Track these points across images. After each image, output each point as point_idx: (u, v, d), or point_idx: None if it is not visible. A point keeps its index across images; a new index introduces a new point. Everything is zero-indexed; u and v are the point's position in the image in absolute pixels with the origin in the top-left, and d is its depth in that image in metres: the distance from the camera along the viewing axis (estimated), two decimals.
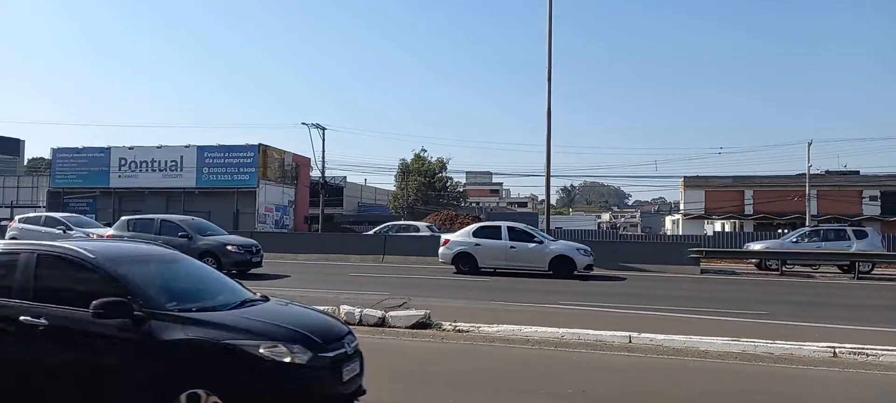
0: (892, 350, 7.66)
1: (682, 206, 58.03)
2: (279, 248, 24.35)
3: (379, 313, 9.47)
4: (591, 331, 8.67)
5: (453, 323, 9.27)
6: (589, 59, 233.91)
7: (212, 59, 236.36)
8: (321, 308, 9.66)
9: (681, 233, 51.42)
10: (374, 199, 65.37)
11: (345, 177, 58.35)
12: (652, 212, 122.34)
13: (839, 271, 21.95)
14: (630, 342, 8.29)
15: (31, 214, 25.55)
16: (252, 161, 39.55)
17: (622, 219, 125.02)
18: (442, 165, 63.88)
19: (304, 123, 43.18)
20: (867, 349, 7.67)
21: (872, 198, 51.23)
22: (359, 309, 9.54)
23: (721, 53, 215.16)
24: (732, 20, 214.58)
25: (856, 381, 6.77)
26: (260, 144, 40.07)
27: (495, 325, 9.15)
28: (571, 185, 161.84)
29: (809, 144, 40.89)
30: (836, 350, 7.70)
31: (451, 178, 66.75)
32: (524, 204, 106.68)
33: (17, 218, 24.51)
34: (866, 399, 6.36)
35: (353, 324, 9.32)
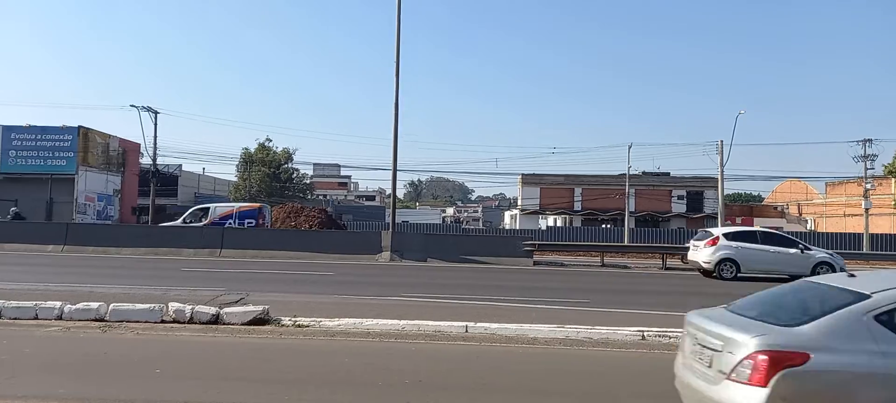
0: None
1: (519, 202, 61.39)
2: (100, 241, 22.27)
3: (212, 309, 8.99)
4: (430, 322, 8.91)
5: (293, 319, 9.06)
6: (435, 61, 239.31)
7: (37, 26, 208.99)
8: (145, 305, 9.01)
9: (518, 228, 54.38)
10: (213, 190, 61.73)
11: (180, 166, 54.52)
12: (493, 207, 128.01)
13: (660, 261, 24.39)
14: (466, 332, 8.64)
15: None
16: (70, 144, 35.64)
17: (466, 214, 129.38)
18: (288, 156, 61.90)
19: (133, 105, 39.57)
20: (669, 332, 8.65)
21: (680, 198, 57.74)
22: (190, 306, 8.99)
23: (556, 64, 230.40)
24: (565, 36, 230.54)
25: (660, 360, 7.59)
26: (80, 127, 36.20)
27: (337, 319, 9.08)
28: (419, 180, 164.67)
29: (630, 147, 45.15)
30: (645, 333, 8.60)
31: (297, 170, 64.93)
32: (372, 198, 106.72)
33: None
34: (666, 376, 7.15)
35: (183, 322, 8.78)
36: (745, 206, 67.04)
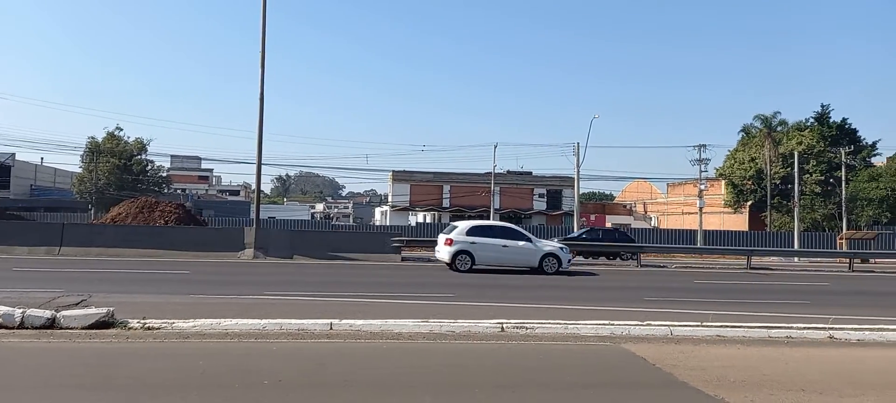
0: (544, 323, 9.21)
1: (390, 199, 61.57)
2: None
3: (47, 313, 8.16)
4: (293, 321, 8.71)
5: (142, 321, 8.45)
6: (306, 50, 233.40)
7: None
8: None
9: (388, 224, 54.55)
10: (53, 182, 55.96)
11: (13, 154, 48.89)
12: (364, 204, 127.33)
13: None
14: (331, 329, 8.53)
15: None
16: None
17: (336, 210, 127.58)
18: (141, 146, 57.47)
19: None
20: (527, 323, 9.10)
21: (541, 195, 60.76)
22: (20, 310, 8.10)
23: (427, 56, 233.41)
24: (441, 30, 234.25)
25: (519, 350, 7.96)
26: None
27: (192, 320, 8.60)
28: (287, 175, 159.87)
29: (495, 147, 46.90)
30: (504, 325, 8.97)
31: (152, 162, 60.48)
32: (236, 193, 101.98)
33: None
34: (524, 365, 7.51)
35: (11, 328, 7.91)
36: (598, 204, 71.93)
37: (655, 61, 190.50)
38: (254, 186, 24.40)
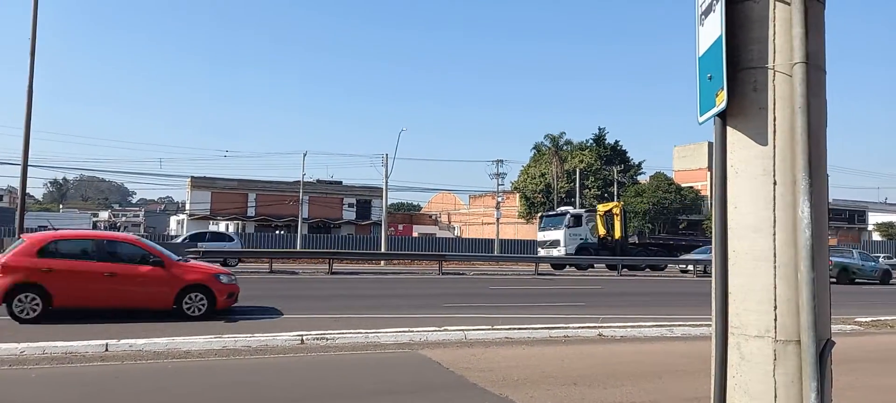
0: (345, 333, 9.19)
1: (188, 206, 57.29)
2: None
3: None
4: (60, 344, 7.71)
5: None
6: (96, 45, 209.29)
7: None
8: None
9: (186, 234, 50.68)
10: None
11: None
12: (158, 212, 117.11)
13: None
14: (107, 351, 7.70)
15: None
16: None
17: (124, 218, 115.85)
18: None
19: None
20: (327, 334, 9.01)
21: (350, 205, 60.70)
22: None
23: (235, 54, 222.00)
24: (251, 24, 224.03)
25: (317, 362, 7.84)
26: None
27: None
28: (64, 178, 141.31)
29: (305, 155, 45.92)
30: (304, 337, 8.79)
31: None
32: (0, 198, 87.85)
33: None
34: (323, 376, 7.41)
35: None
36: (406, 214, 73.73)
37: (464, 84, 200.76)
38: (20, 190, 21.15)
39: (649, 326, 11.06)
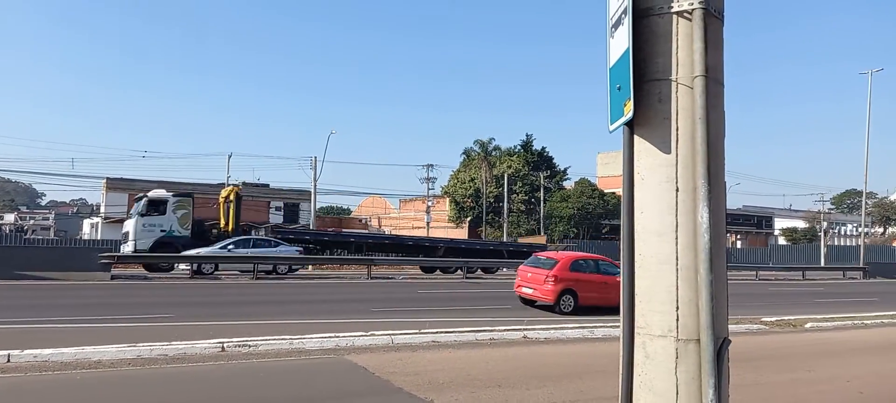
0: (269, 339, 8.97)
1: (103, 209, 54.50)
2: None
3: None
4: None
5: None
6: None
7: None
8: None
9: (100, 238, 48.19)
10: None
11: None
12: (69, 215, 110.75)
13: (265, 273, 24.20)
14: (9, 361, 7.21)
15: None
16: None
17: (32, 221, 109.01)
18: None
19: None
20: (250, 340, 8.77)
21: (278, 209, 59.39)
22: None
23: (156, 48, 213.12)
24: (169, 17, 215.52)
25: (239, 370, 7.61)
26: None
27: None
28: None
29: (230, 157, 44.62)
30: (225, 344, 8.52)
31: None
32: None
33: None
34: (243, 384, 7.21)
35: None
36: (336, 218, 72.75)
37: (396, 86, 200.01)
38: None
39: (572, 328, 11.37)
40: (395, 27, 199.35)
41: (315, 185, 40.51)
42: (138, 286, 19.14)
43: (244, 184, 58.44)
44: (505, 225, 47.50)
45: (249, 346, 8.60)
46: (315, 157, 40.19)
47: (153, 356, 7.86)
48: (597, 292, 15.10)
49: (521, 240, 45.71)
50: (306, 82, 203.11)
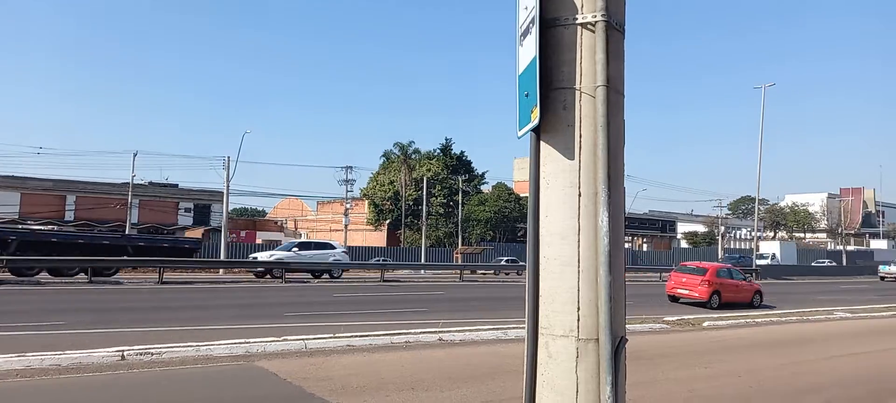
0: (173, 347, 8.58)
1: None
2: None
3: None
4: None
5: None
6: None
7: None
8: None
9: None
10: None
11: None
12: None
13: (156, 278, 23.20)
14: None
15: None
16: None
17: None
18: None
19: None
20: (152, 348, 8.35)
21: (187, 210, 56.93)
22: None
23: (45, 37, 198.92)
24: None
25: (140, 380, 7.22)
26: None
27: None
28: None
29: (135, 155, 42.36)
30: (125, 353, 8.07)
31: None
32: None
33: None
34: (145, 395, 6.85)
35: None
36: (249, 220, 70.55)
37: (315, 86, 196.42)
38: None
39: (486, 330, 11.55)
40: (316, 27, 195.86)
41: (227, 186, 39.11)
42: (27, 292, 17.84)
43: (150, 183, 55.68)
44: (423, 227, 47.66)
45: (152, 354, 8.19)
46: (228, 157, 38.83)
47: (44, 366, 7.34)
48: (732, 292, 20.55)
49: (188, 235, 41.34)
50: (222, 81, 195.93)
